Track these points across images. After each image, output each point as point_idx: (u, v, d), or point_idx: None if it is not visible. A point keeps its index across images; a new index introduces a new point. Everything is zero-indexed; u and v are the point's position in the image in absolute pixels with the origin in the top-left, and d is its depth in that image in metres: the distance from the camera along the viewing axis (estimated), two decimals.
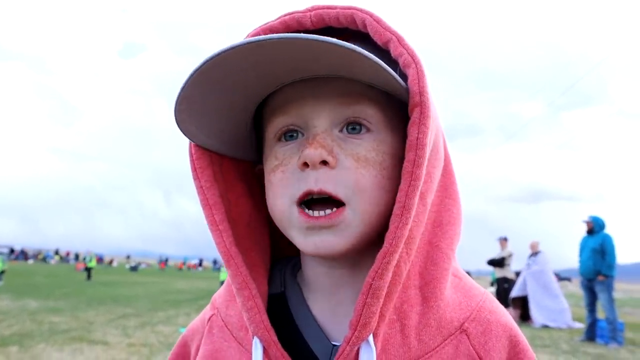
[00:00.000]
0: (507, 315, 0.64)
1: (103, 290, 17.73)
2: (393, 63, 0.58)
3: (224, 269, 18.26)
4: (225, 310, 0.69)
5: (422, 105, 0.54)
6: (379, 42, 0.58)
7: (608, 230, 8.55)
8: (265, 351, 0.59)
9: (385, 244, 0.53)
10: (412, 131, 0.55)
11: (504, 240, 11.69)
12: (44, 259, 68.96)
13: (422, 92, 0.54)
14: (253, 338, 0.60)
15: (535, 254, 11.09)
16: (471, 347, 0.58)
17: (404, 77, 0.57)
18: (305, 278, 0.68)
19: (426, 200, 0.57)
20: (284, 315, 0.65)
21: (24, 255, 70.34)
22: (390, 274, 0.54)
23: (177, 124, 0.58)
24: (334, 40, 0.47)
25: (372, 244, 0.60)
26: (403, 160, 0.56)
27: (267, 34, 0.59)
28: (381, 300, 0.54)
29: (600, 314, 8.53)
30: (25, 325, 8.15)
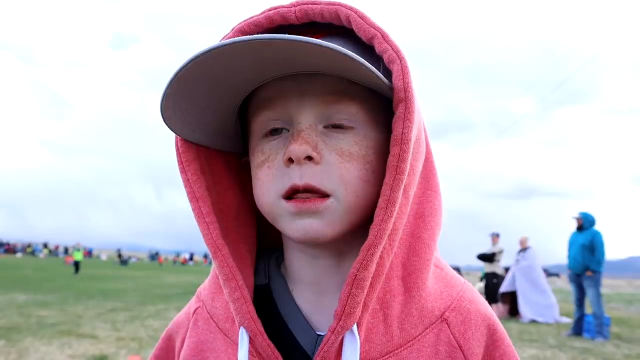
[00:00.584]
0: (485, 305, 0.66)
1: (92, 284, 17.62)
2: (377, 59, 0.59)
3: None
4: (211, 302, 0.70)
5: (407, 100, 0.55)
6: (364, 38, 0.58)
7: (597, 228, 8.66)
8: (251, 341, 0.60)
9: (370, 236, 0.55)
10: (396, 126, 0.56)
11: (495, 237, 11.79)
12: (33, 253, 68.34)
13: (406, 88, 0.55)
14: (239, 328, 0.61)
15: (524, 249, 11.21)
16: (451, 336, 0.60)
17: (389, 72, 0.57)
18: (289, 269, 0.69)
19: (409, 193, 0.58)
20: (269, 307, 0.66)
21: (11, 248, 69.57)
22: (374, 265, 0.55)
23: (164, 120, 0.60)
24: (313, 40, 0.48)
25: (356, 236, 0.61)
26: (387, 155, 0.57)
27: (251, 29, 0.62)
28: (365, 291, 0.55)
29: (588, 309, 8.65)
30: (13, 319, 8.08)
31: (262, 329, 0.59)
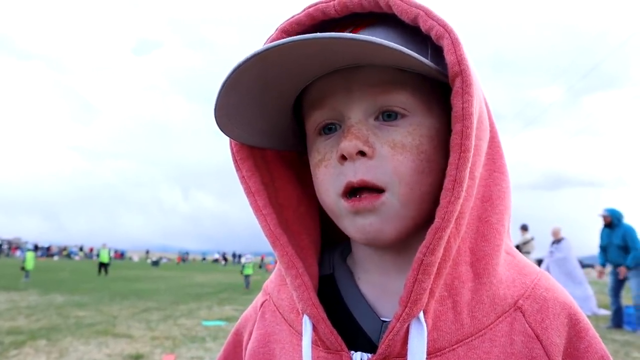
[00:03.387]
0: (565, 293, 0.62)
1: (126, 285, 18.08)
2: (425, 39, 0.57)
3: (248, 264, 18.45)
4: (277, 295, 0.70)
5: (463, 73, 0.53)
6: (407, 20, 0.56)
7: (631, 216, 8.29)
8: (314, 329, 0.59)
9: (437, 219, 0.52)
10: (456, 102, 0.53)
11: (524, 229, 11.55)
12: (69, 255, 70.75)
13: (460, 61, 0.52)
14: (302, 316, 0.60)
15: (558, 241, 10.90)
16: (527, 325, 0.56)
17: (439, 50, 0.55)
18: (356, 259, 0.68)
19: (475, 174, 0.55)
20: (333, 295, 0.65)
21: (48, 251, 72.20)
22: (441, 250, 0.53)
23: (220, 128, 0.61)
24: (349, 35, 0.48)
25: (419, 228, 0.59)
26: (443, 142, 0.56)
27: (293, 28, 0.62)
28: (432, 277, 0.53)
29: (626, 300, 8.34)
30: (53, 319, 8.36)
31: (324, 315, 0.59)
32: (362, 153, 0.55)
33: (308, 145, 0.65)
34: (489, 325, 0.56)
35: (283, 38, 0.53)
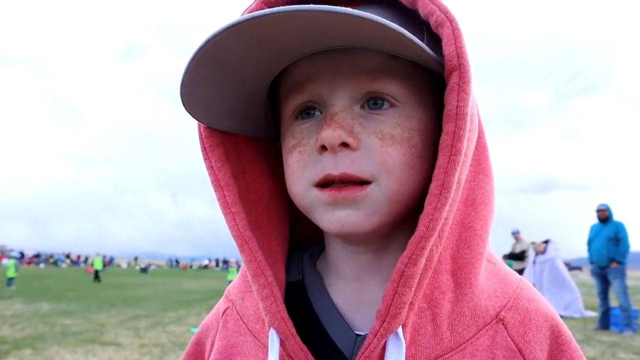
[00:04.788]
0: (546, 304, 0.58)
1: (114, 292, 17.84)
2: (421, 26, 0.52)
3: (232, 268, 18.40)
4: (241, 302, 0.65)
5: (461, 68, 0.48)
6: (405, 2, 0.52)
7: (616, 217, 8.51)
8: (282, 344, 0.54)
9: (421, 227, 0.48)
10: (450, 99, 0.48)
11: (517, 235, 11.60)
12: (55, 263, 69.65)
13: (459, 54, 0.48)
14: (269, 330, 0.55)
15: (543, 251, 10.92)
16: (509, 338, 0.53)
17: (437, 39, 0.50)
18: (329, 263, 0.63)
19: (461, 177, 0.51)
20: (303, 305, 0.60)
21: (37, 258, 71.00)
22: (423, 260, 0.48)
23: (185, 107, 0.54)
24: (346, 9, 0.42)
25: (398, 228, 0.56)
26: (434, 137, 0.52)
27: (273, 5, 0.55)
28: (413, 289, 0.48)
29: (613, 301, 8.45)
30: (38, 328, 8.21)
31: (293, 330, 0.53)
32: (345, 145, 0.50)
33: (282, 131, 0.59)
34: (470, 339, 0.52)
35: (263, 9, 0.46)
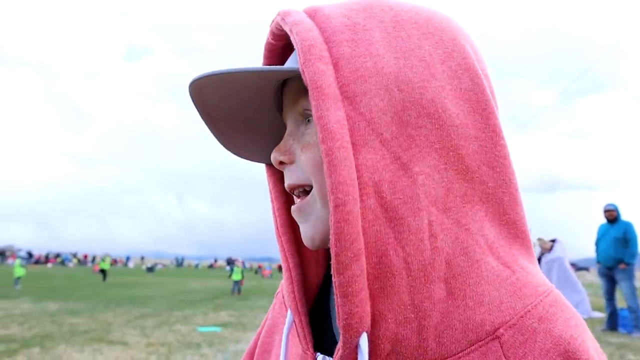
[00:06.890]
0: (566, 325, 0.49)
1: (120, 291, 17.95)
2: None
3: (236, 269, 18.47)
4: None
5: (310, 84, 0.48)
6: (291, 35, 0.52)
7: (624, 217, 8.44)
8: (295, 324, 0.61)
9: (331, 233, 0.46)
10: (313, 112, 0.48)
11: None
12: (63, 262, 70.14)
13: (303, 71, 0.48)
14: (287, 310, 0.62)
15: (549, 250, 10.86)
16: (503, 359, 0.47)
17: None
18: None
19: (413, 170, 0.48)
20: (328, 296, 0.63)
21: (47, 259, 71.48)
22: (354, 267, 0.45)
23: (236, 154, 0.66)
24: (226, 70, 0.51)
25: None
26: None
27: (266, 48, 0.63)
28: (355, 298, 0.45)
29: (620, 302, 8.39)
30: (46, 327, 8.29)
31: (304, 310, 0.59)
32: (282, 162, 0.58)
33: None
34: (458, 353, 0.48)
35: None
